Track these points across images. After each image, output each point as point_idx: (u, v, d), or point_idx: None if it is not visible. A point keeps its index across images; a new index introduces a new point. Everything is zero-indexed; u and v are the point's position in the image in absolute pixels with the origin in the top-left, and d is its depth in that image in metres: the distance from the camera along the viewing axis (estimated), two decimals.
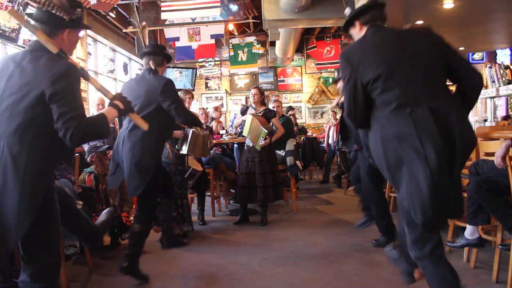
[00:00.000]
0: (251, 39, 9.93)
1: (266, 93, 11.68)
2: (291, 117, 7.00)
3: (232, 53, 9.93)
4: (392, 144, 1.82)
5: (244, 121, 4.74)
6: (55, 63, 1.74)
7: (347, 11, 2.14)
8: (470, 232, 2.85)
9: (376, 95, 1.90)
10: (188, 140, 3.83)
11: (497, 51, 10.94)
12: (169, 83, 2.96)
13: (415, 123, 1.78)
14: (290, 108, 9.23)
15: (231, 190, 5.58)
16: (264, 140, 4.48)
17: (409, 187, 1.77)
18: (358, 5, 2.11)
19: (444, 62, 1.97)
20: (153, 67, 3.04)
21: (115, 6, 6.86)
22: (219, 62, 11.00)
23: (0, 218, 1.72)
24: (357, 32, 2.09)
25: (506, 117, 7.53)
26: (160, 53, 3.13)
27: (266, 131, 4.46)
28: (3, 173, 1.70)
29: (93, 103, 4.77)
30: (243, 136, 4.83)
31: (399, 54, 1.91)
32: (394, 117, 1.84)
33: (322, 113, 11.52)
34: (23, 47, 5.50)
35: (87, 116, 1.78)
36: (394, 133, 1.82)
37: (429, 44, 1.97)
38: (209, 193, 5.16)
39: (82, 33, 6.62)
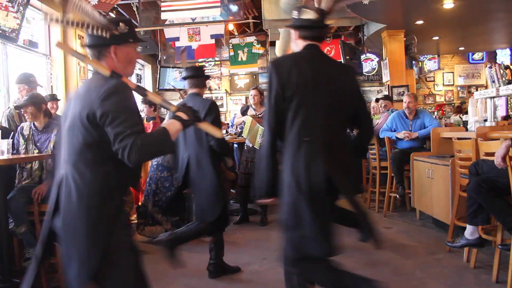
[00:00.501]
0: (251, 39, 9.93)
1: (266, 93, 11.66)
2: None
3: (232, 53, 9.93)
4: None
5: (244, 121, 4.74)
6: (103, 82, 1.66)
7: (295, 14, 2.09)
8: (470, 232, 2.86)
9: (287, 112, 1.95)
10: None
11: (497, 51, 10.94)
12: (213, 105, 3.06)
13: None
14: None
15: (232, 190, 5.57)
16: (262, 137, 4.49)
17: None
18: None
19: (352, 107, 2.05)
20: (196, 92, 3.13)
21: (115, 6, 6.86)
22: (219, 62, 11.00)
23: (70, 253, 1.64)
24: (294, 39, 2.09)
25: (506, 117, 7.52)
26: (200, 75, 3.20)
27: (263, 128, 4.47)
28: (68, 202, 1.63)
29: None
30: (242, 136, 4.83)
31: (316, 81, 1.96)
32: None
33: None
34: (23, 47, 5.50)
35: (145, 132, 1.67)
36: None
37: (348, 84, 2.05)
38: None
39: (79, 32, 6.61)
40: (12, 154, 3.02)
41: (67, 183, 1.64)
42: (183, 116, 1.75)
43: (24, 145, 3.14)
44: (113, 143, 1.58)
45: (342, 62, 7.90)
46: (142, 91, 1.82)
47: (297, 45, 2.06)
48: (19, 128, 3.24)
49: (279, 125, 1.95)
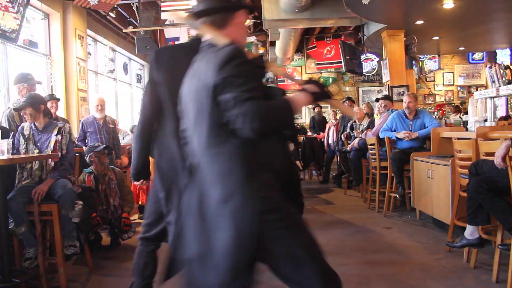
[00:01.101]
0: (251, 39, 9.93)
1: None
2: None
3: None
4: None
5: None
6: (218, 53, 1.47)
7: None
8: (470, 232, 2.86)
9: None
10: None
11: (497, 51, 10.95)
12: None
13: None
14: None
15: None
16: None
17: None
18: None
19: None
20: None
21: (115, 6, 6.86)
22: None
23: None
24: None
25: (506, 117, 7.52)
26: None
27: None
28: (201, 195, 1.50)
29: (92, 104, 4.77)
30: None
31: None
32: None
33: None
34: (23, 47, 5.50)
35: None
36: None
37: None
38: None
39: (79, 32, 6.62)
40: (12, 154, 3.02)
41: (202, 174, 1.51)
42: (312, 88, 1.54)
43: (25, 145, 3.14)
44: (230, 110, 1.39)
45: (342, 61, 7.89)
46: (262, 61, 1.64)
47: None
48: (19, 128, 3.24)
49: None
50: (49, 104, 3.88)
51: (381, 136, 5.03)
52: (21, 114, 3.22)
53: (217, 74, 1.41)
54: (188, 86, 1.58)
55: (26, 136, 3.16)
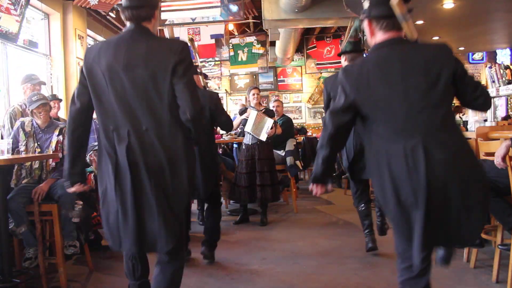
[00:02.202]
0: (251, 39, 9.93)
1: (266, 93, 11.69)
2: None
3: (232, 53, 9.94)
4: None
5: (244, 119, 4.73)
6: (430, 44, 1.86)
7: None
8: None
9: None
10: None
11: (497, 51, 10.95)
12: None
13: None
14: None
15: None
16: (270, 129, 4.50)
17: None
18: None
19: None
20: None
21: (115, 6, 6.85)
22: (219, 62, 11.00)
23: None
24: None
25: (506, 117, 7.52)
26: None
27: (272, 120, 4.52)
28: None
29: None
30: (248, 132, 4.74)
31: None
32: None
33: None
34: (23, 47, 5.50)
35: None
36: None
37: None
38: None
39: (79, 32, 6.62)
40: (12, 149, 3.03)
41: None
42: None
43: (25, 142, 3.13)
44: (474, 91, 1.77)
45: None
46: None
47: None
48: (19, 122, 3.20)
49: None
50: (51, 104, 3.88)
51: None
52: (33, 111, 3.18)
53: (455, 63, 1.74)
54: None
55: (27, 132, 3.15)
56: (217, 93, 3.64)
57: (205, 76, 3.53)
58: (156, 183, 1.83)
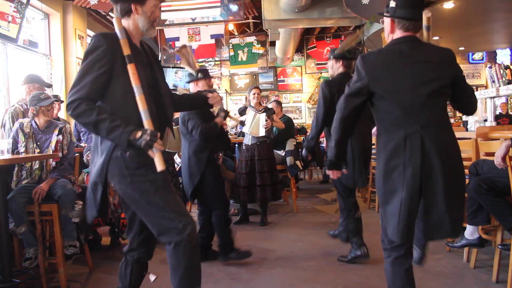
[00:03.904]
0: (251, 39, 9.93)
1: (266, 93, 11.69)
2: None
3: (232, 53, 9.93)
4: None
5: (242, 121, 4.73)
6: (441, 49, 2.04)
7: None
8: (470, 232, 2.85)
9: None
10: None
11: (497, 51, 10.95)
12: None
13: None
14: None
15: None
16: (266, 122, 4.50)
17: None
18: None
19: None
20: None
21: None
22: (219, 62, 11.00)
23: None
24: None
25: (498, 116, 7.54)
26: None
27: (264, 114, 4.52)
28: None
29: None
30: (245, 132, 4.75)
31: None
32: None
33: None
34: (23, 47, 5.51)
35: None
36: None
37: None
38: None
39: (79, 32, 6.62)
40: (12, 150, 3.02)
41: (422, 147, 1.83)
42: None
43: (24, 143, 3.13)
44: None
45: None
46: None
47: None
48: (18, 123, 3.20)
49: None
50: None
51: None
52: (41, 109, 3.17)
53: (456, 69, 2.03)
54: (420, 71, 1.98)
55: (27, 133, 3.15)
56: None
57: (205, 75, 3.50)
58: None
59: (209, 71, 11.75)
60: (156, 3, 1.96)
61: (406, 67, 1.90)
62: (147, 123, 1.80)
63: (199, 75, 3.42)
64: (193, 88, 3.46)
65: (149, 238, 2.05)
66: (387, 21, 2.00)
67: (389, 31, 2.01)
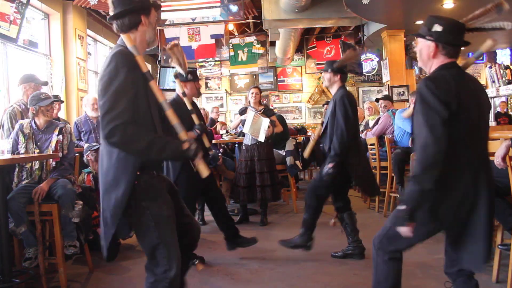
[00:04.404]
0: (251, 39, 9.92)
1: (266, 93, 11.68)
2: None
3: (232, 53, 9.92)
4: None
5: (242, 120, 4.73)
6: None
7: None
8: None
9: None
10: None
11: (497, 51, 10.95)
12: None
13: None
14: None
15: None
16: (267, 128, 4.49)
17: None
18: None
19: None
20: None
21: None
22: (219, 62, 10.99)
23: None
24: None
25: (497, 115, 7.53)
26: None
27: (268, 119, 4.51)
28: None
29: (87, 102, 4.71)
30: (246, 133, 4.74)
31: None
32: None
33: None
34: (23, 47, 5.51)
35: None
36: None
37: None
38: None
39: (79, 32, 6.62)
40: (12, 151, 3.02)
41: None
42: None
43: (24, 144, 3.13)
44: None
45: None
46: None
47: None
48: (18, 125, 3.20)
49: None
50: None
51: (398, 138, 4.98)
52: (40, 108, 3.16)
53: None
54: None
55: (26, 134, 3.15)
56: None
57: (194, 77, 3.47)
58: None
59: (209, 71, 11.66)
60: (155, 13, 1.93)
61: (472, 93, 1.91)
62: (183, 135, 1.79)
63: (189, 76, 3.38)
64: (180, 88, 3.37)
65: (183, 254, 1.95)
66: (428, 44, 1.92)
67: (431, 55, 1.93)
